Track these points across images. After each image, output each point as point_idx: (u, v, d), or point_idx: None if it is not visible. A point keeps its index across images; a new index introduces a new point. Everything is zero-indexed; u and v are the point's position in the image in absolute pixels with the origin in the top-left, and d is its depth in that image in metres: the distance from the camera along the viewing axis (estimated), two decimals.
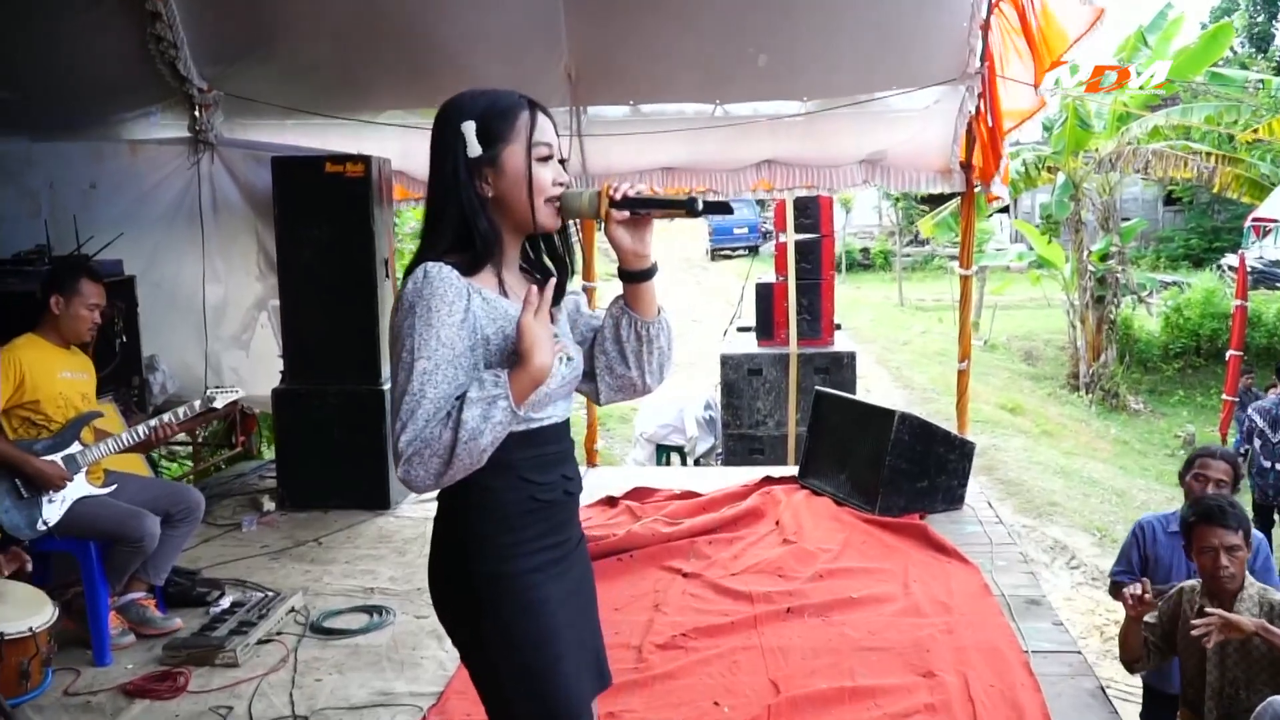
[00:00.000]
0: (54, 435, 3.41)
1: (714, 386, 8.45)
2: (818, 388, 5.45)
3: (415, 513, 4.93)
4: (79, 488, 3.43)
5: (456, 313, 1.61)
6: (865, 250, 26.34)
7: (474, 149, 1.67)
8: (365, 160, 4.81)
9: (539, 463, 1.73)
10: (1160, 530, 3.43)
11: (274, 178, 4.94)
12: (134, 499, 3.55)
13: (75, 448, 3.45)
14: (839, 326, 8.14)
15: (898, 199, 21.73)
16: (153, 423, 3.54)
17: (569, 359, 1.77)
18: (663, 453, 8.65)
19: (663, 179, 5.48)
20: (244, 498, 5.29)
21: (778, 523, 4.57)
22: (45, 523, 3.34)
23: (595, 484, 5.41)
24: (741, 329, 8.59)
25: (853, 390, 7.30)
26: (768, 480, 5.12)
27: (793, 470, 5.31)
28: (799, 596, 3.75)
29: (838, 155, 5.33)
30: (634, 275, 1.77)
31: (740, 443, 7.65)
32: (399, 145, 5.43)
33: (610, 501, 4.97)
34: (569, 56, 5.08)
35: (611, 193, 1.68)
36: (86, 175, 5.72)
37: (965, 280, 5.43)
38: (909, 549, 4.23)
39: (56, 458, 3.39)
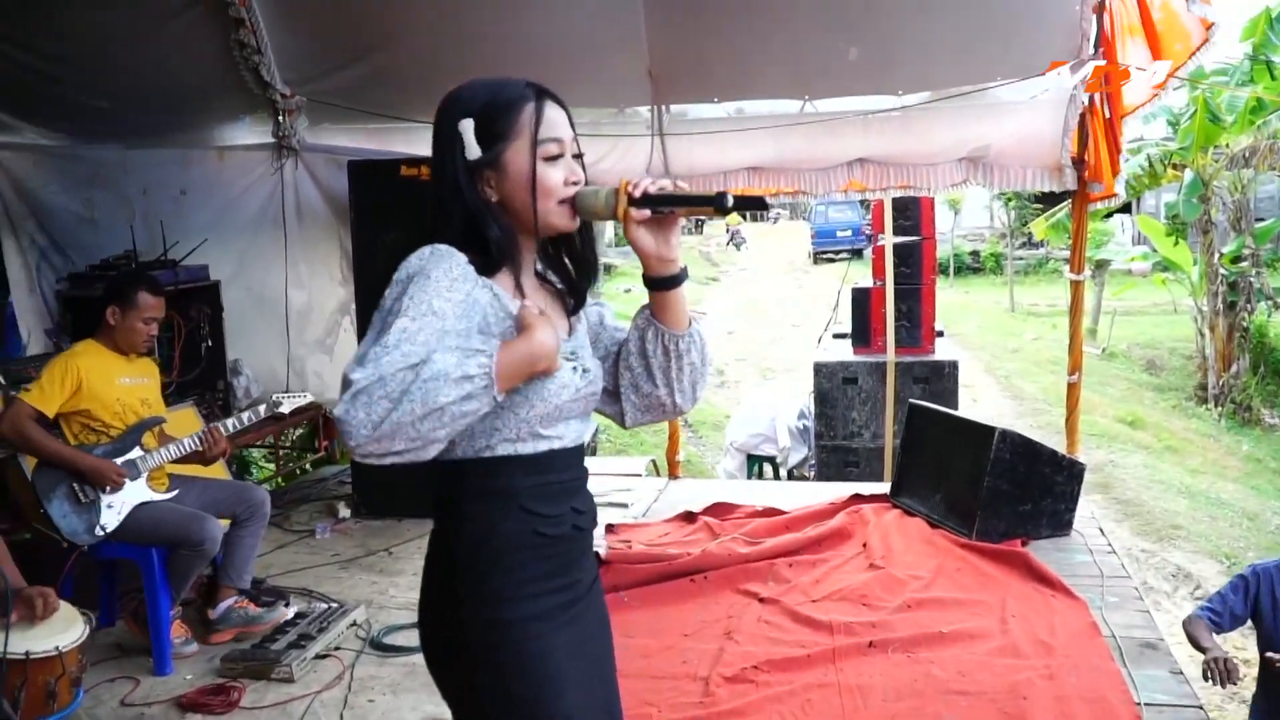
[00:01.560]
0: (113, 440, 3.38)
1: (809, 395, 8.17)
2: (911, 400, 5.14)
3: None
4: (139, 493, 3.39)
5: (457, 292, 1.43)
6: (975, 253, 25.47)
7: (472, 151, 1.50)
8: None
9: (546, 492, 1.54)
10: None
11: (350, 182, 4.89)
12: (196, 502, 3.50)
13: (135, 453, 3.41)
14: (940, 334, 7.77)
15: (1010, 199, 20.90)
16: (201, 431, 3.49)
17: (585, 370, 1.59)
18: (754, 463, 8.40)
19: (748, 178, 5.24)
20: (321, 504, 5.25)
21: (865, 545, 4.29)
22: (103, 528, 3.31)
23: (675, 497, 5.23)
24: (837, 335, 8.28)
25: (954, 401, 6.94)
26: (856, 498, 4.84)
27: (885, 487, 5.02)
28: (883, 629, 3.47)
29: (936, 152, 5.00)
30: (660, 282, 1.58)
31: (834, 455, 7.35)
32: None
33: (688, 517, 4.76)
34: (650, 54, 4.89)
35: (630, 190, 1.49)
36: (177, 181, 5.79)
37: (1076, 286, 5.04)
38: (1008, 579, 3.90)
39: (117, 462, 3.36)
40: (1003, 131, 4.82)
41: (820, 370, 7.39)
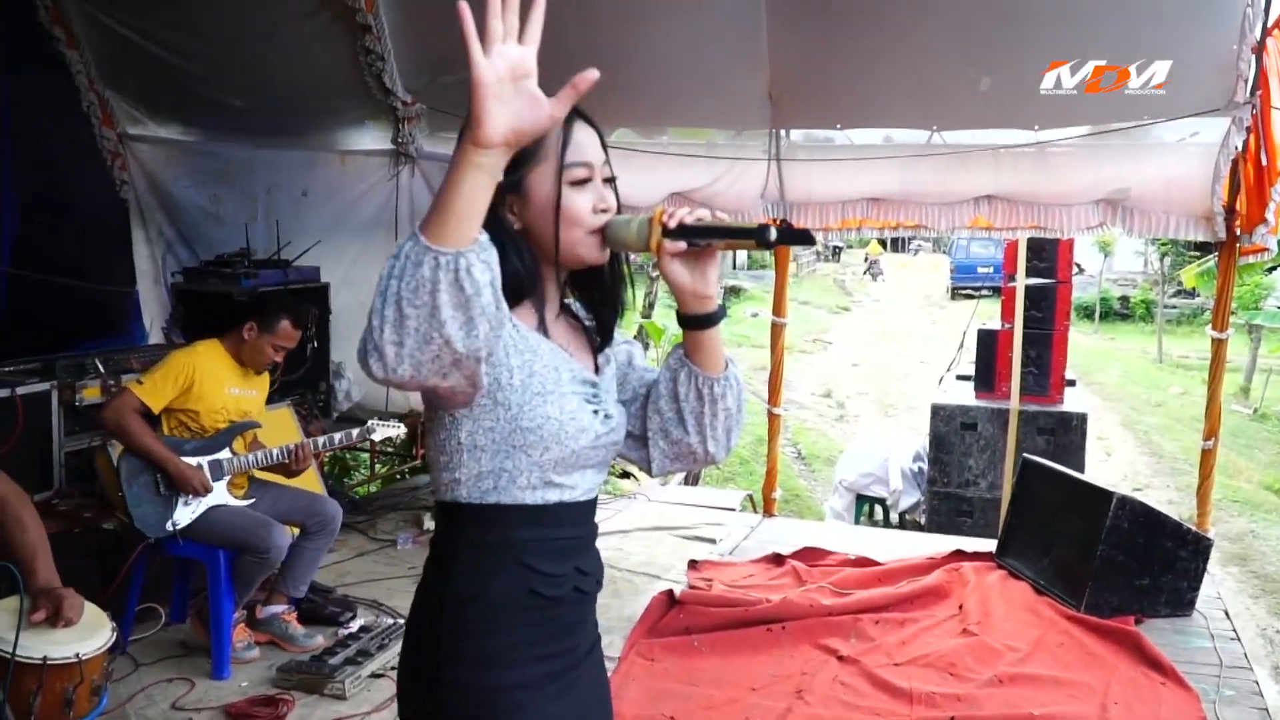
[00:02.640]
0: (206, 438, 3.41)
1: (926, 436, 7.80)
2: (1025, 455, 4.79)
3: None
4: (216, 495, 3.40)
5: None
6: (1124, 299, 24.23)
7: None
8: None
9: (549, 548, 1.40)
10: None
11: None
12: (270, 509, 3.49)
13: (224, 454, 3.44)
14: (1072, 383, 7.29)
15: (1164, 244, 19.77)
16: (291, 446, 3.49)
17: (607, 416, 1.45)
18: (863, 503, 8.07)
19: (868, 210, 5.00)
20: (409, 513, 5.24)
21: (961, 607, 3.99)
22: (174, 524, 3.32)
23: (767, 536, 5.01)
24: (960, 377, 7.88)
25: (1081, 457, 6.50)
26: (958, 555, 4.53)
27: (991, 544, 4.68)
28: (968, 704, 3.20)
29: (1071, 192, 4.66)
30: (695, 320, 1.45)
31: (946, 503, 6.97)
32: None
33: (776, 560, 4.54)
34: (771, 75, 4.72)
35: (665, 219, 1.35)
36: (300, 183, 5.92)
37: (1219, 344, 4.61)
38: (1115, 660, 3.55)
39: (204, 460, 3.38)
40: (1146, 174, 4.45)
41: (938, 413, 7.02)
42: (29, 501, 2.36)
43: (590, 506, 1.47)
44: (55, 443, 3.99)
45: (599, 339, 1.53)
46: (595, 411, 1.43)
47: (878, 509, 8.15)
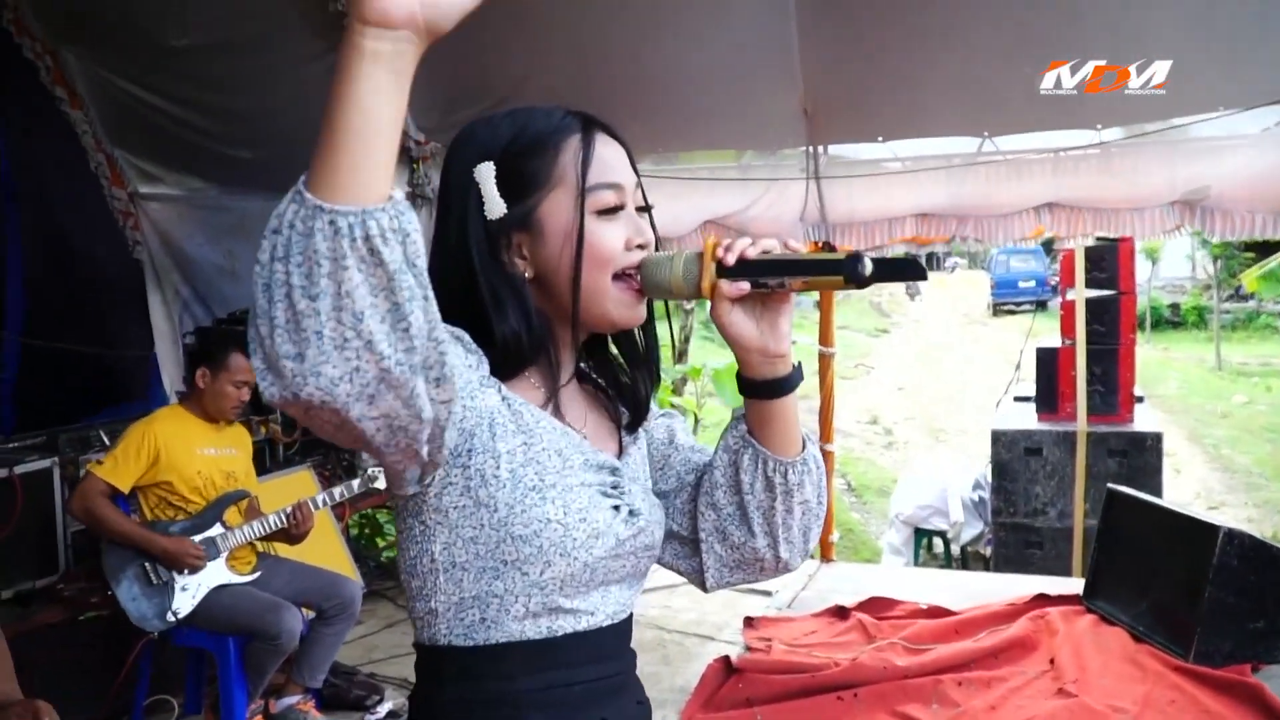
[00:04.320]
0: (192, 517, 3.10)
1: (985, 463, 7.38)
2: (1110, 486, 4.37)
3: None
4: (217, 574, 3.10)
5: (459, 359, 1.01)
6: (1175, 306, 23.52)
7: (494, 206, 1.06)
8: None
9: (563, 698, 1.06)
10: None
11: None
12: (280, 589, 3.18)
13: (216, 530, 3.12)
14: (1140, 399, 6.86)
15: (1217, 248, 19.16)
16: (288, 508, 3.18)
17: (633, 513, 1.10)
18: (922, 537, 7.63)
19: (916, 226, 4.64)
20: None
21: (1053, 661, 3.59)
22: (175, 613, 3.02)
23: (827, 585, 4.64)
24: (1019, 399, 7.46)
25: (1158, 480, 6.06)
26: (1042, 599, 4.11)
27: (1076, 584, 4.27)
28: None
29: (1143, 196, 4.27)
30: (763, 387, 1.11)
31: (1013, 534, 6.53)
32: None
33: (840, 613, 4.16)
34: (804, 89, 4.40)
35: (721, 254, 1.03)
36: None
37: None
38: (1235, 718, 3.13)
39: (194, 540, 3.08)
40: (1226, 170, 4.06)
41: (999, 439, 6.60)
42: None
43: (620, 633, 1.12)
44: (59, 523, 3.72)
45: (629, 416, 1.20)
46: (616, 508, 1.08)
47: (937, 542, 7.71)
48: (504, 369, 1.07)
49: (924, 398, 15.37)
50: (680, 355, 10.07)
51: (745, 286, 1.04)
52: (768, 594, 4.51)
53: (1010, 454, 6.54)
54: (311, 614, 3.25)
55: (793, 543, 1.17)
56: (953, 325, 23.83)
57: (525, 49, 4.66)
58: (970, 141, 4.47)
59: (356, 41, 0.80)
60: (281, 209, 0.79)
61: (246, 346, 2.72)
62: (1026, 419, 6.73)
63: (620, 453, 1.18)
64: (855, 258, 0.98)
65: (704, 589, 1.22)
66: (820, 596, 4.45)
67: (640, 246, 1.09)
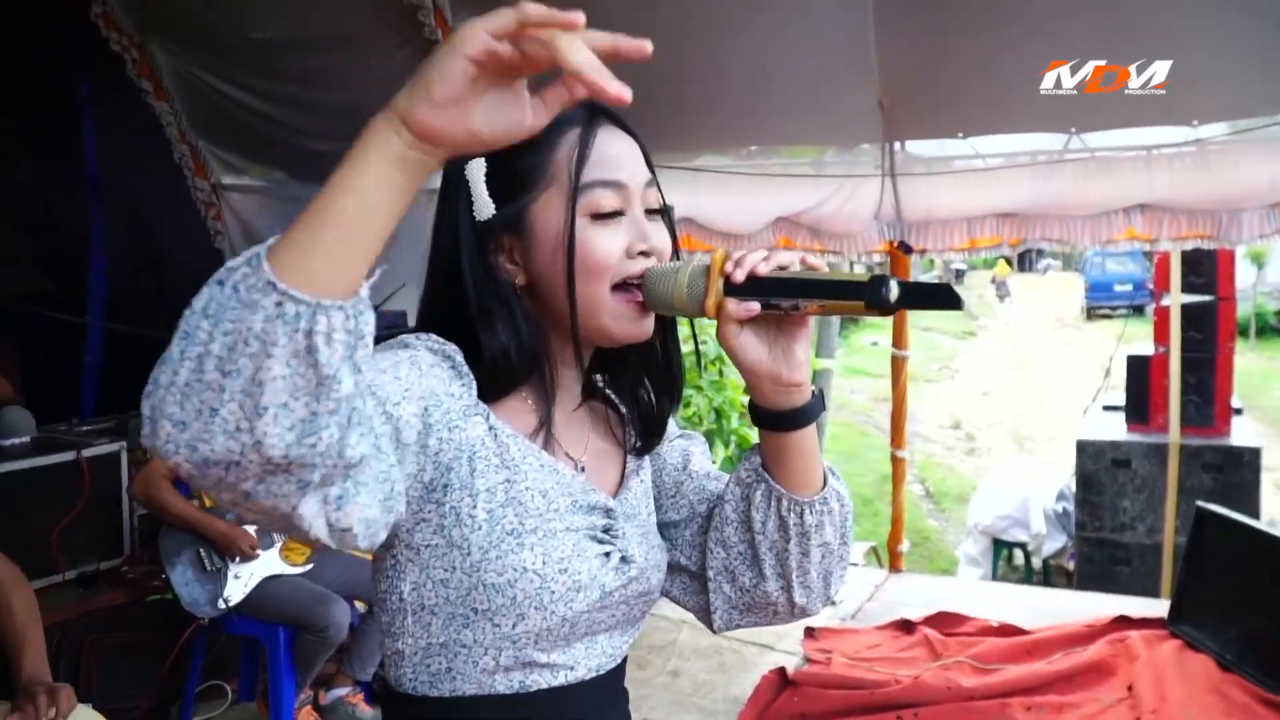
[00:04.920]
0: None
1: (1071, 474, 7.11)
2: (1200, 504, 4.12)
3: (672, 612, 4.25)
4: (270, 564, 3.11)
5: (431, 378, 0.93)
6: None
7: (483, 207, 1.00)
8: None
9: None
10: None
11: None
12: (333, 582, 3.18)
13: None
14: (1239, 411, 6.53)
15: None
16: None
17: (625, 560, 1.01)
18: (1001, 549, 7.38)
19: (998, 226, 4.46)
20: None
21: (1131, 688, 3.38)
22: (226, 600, 3.04)
23: (894, 597, 4.48)
24: (1108, 408, 7.16)
25: (1255, 498, 5.75)
26: (1122, 621, 3.89)
27: (1161, 607, 4.04)
28: None
29: (1243, 196, 4.02)
30: (777, 418, 1.01)
31: (1098, 549, 6.27)
32: (688, 190, 4.87)
33: (906, 626, 4.00)
34: (881, 82, 4.25)
35: (729, 269, 0.94)
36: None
37: None
38: None
39: (249, 528, 3.09)
40: None
41: (1085, 449, 6.35)
42: (24, 584, 2.15)
43: (605, 686, 1.03)
44: (125, 507, 3.79)
45: (641, 440, 1.10)
46: (607, 554, 0.99)
47: (1018, 554, 7.46)
48: (493, 388, 0.98)
49: (1010, 403, 14.94)
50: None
51: (755, 307, 0.93)
52: (832, 603, 4.37)
53: (1096, 465, 6.28)
54: (364, 607, 3.24)
55: (810, 587, 1.06)
56: (1044, 328, 23.15)
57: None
58: (1056, 138, 4.26)
59: (386, 138, 0.75)
60: (234, 264, 0.73)
61: None
62: (1115, 429, 6.46)
63: (620, 485, 1.08)
64: (880, 281, 0.87)
65: (711, 629, 1.13)
66: (887, 608, 4.29)
67: (644, 254, 0.99)
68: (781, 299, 0.93)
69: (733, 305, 0.94)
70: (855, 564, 5.13)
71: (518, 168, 0.99)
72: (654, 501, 1.14)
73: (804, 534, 1.02)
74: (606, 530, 1.01)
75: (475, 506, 0.92)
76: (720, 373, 7.32)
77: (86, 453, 3.62)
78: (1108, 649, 3.63)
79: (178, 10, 5.00)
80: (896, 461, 5.03)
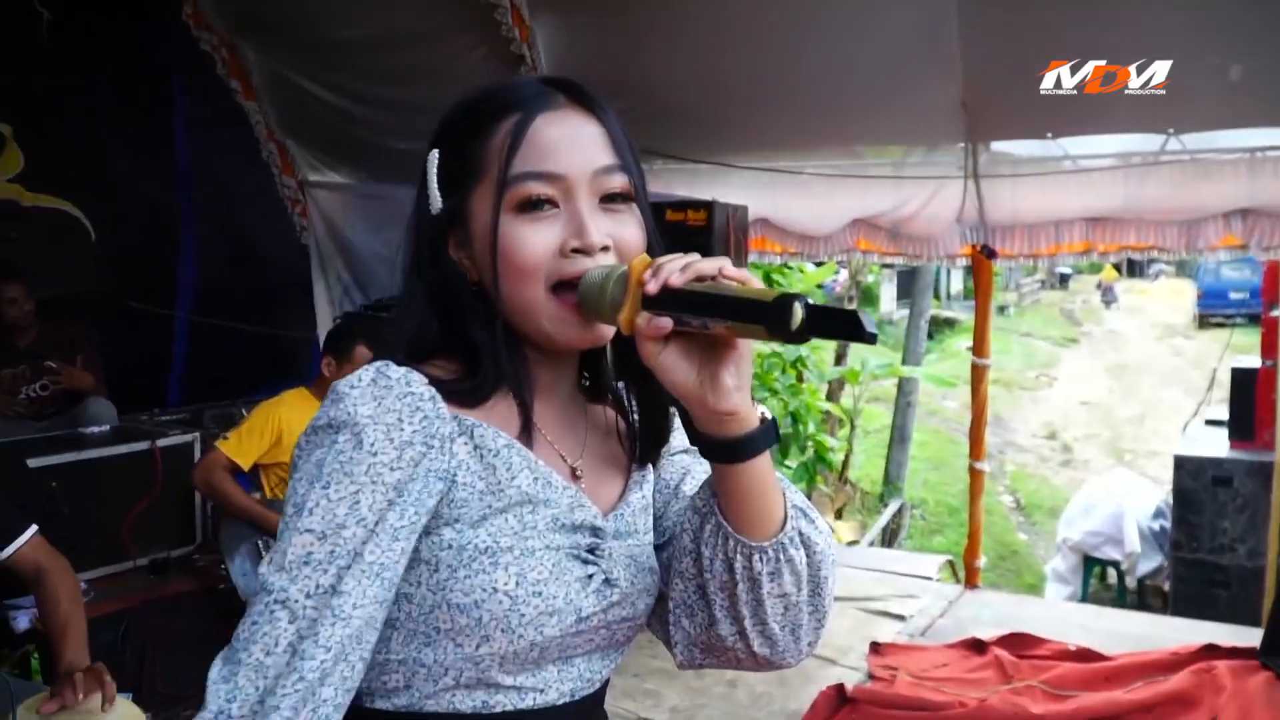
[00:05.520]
0: None
1: (1168, 489, 6.80)
2: None
3: None
4: None
5: (401, 463, 0.84)
6: None
7: (433, 200, 0.93)
8: (708, 207, 4.22)
9: None
10: None
11: None
12: None
13: None
14: None
15: None
16: None
17: (608, 582, 0.94)
18: (1092, 566, 7.09)
19: (1087, 231, 4.26)
20: None
21: None
22: None
23: (968, 614, 4.32)
24: (1210, 422, 6.82)
25: None
26: (1210, 650, 3.68)
27: (1254, 635, 3.82)
28: None
29: None
30: (713, 447, 0.88)
31: (1195, 571, 5.97)
32: (765, 191, 4.79)
33: (977, 646, 3.85)
34: (964, 80, 4.09)
35: (647, 279, 0.83)
36: None
37: None
38: None
39: None
40: None
41: (1183, 465, 6.05)
42: (69, 574, 2.19)
43: (584, 710, 0.96)
44: (197, 496, 3.88)
45: (639, 451, 1.03)
46: (590, 577, 0.92)
47: (1111, 573, 7.15)
48: (476, 391, 0.92)
49: (1110, 414, 14.40)
50: (839, 357, 9.75)
51: (666, 324, 0.81)
52: (900, 618, 4.24)
53: (1196, 483, 5.98)
54: None
55: (771, 639, 0.92)
56: (1151, 337, 22.26)
57: (662, 41, 4.55)
58: (1152, 139, 4.05)
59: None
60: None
61: (371, 339, 2.72)
62: (1217, 445, 6.14)
63: (620, 499, 1.00)
64: (783, 304, 0.76)
65: (676, 663, 1.01)
66: (959, 625, 4.14)
67: (579, 251, 0.88)
68: (690, 316, 0.81)
69: (641, 321, 0.83)
70: (930, 578, 4.97)
71: (463, 156, 0.92)
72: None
73: (753, 580, 0.90)
74: (592, 550, 0.94)
75: (450, 524, 0.87)
76: (799, 376, 7.20)
77: (161, 443, 3.72)
78: (1192, 679, 3.43)
79: (266, 9, 5.10)
80: (975, 474, 4.85)
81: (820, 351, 8.06)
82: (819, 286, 14.59)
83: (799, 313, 0.75)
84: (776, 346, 7.86)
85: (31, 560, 2.17)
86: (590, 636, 0.93)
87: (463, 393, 0.91)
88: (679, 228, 4.26)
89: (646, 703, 3.48)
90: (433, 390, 0.88)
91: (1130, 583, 7.05)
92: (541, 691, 0.92)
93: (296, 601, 0.80)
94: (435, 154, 0.94)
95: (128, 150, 4.87)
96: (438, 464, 0.86)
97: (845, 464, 9.35)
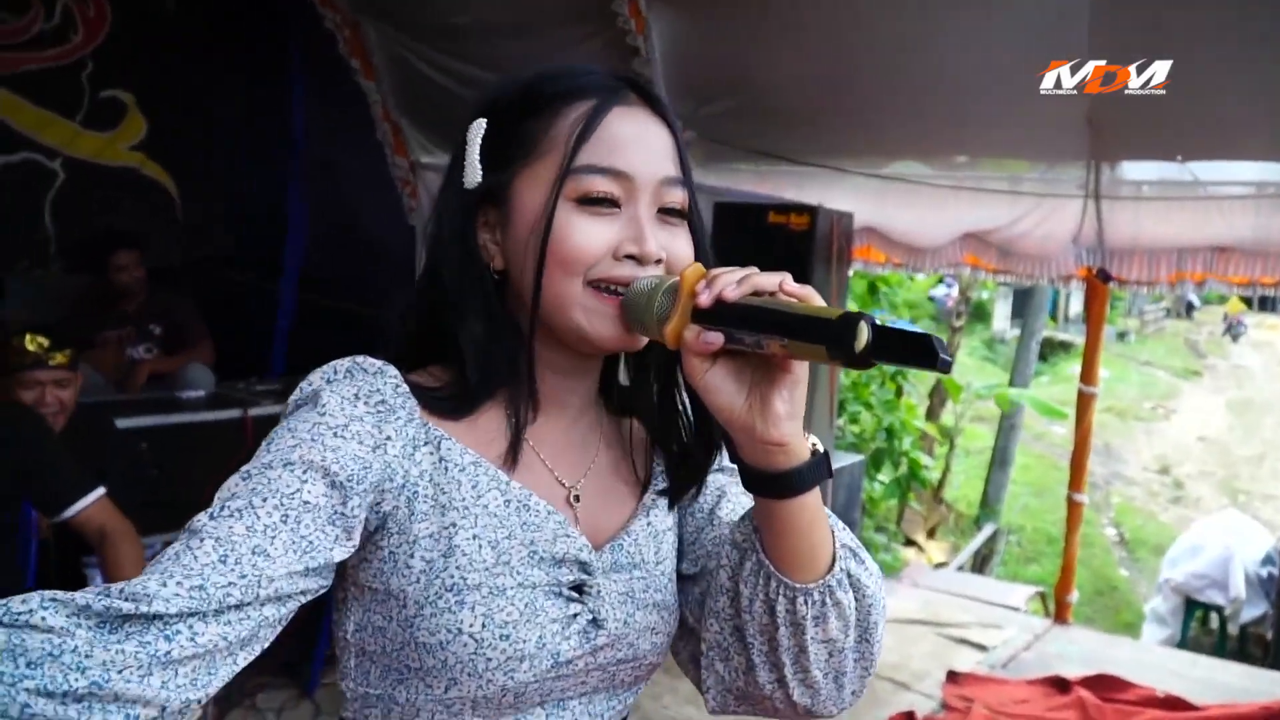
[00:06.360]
0: None
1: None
2: None
3: None
4: None
5: (347, 432, 0.80)
6: None
7: (471, 173, 0.87)
8: (812, 212, 4.14)
9: None
10: None
11: (715, 224, 4.46)
12: None
13: None
14: None
15: None
16: None
17: (594, 622, 0.87)
18: (1194, 610, 6.75)
19: (1211, 261, 4.05)
20: None
21: None
22: None
23: (1054, 649, 4.16)
24: None
25: None
26: None
27: None
28: None
29: None
30: (759, 480, 0.80)
31: None
32: (874, 198, 4.68)
33: (1060, 685, 3.70)
34: (1091, 97, 3.91)
35: (700, 290, 0.77)
36: None
37: None
38: None
39: None
40: None
41: None
42: (134, 538, 2.20)
43: None
44: None
45: (663, 479, 0.96)
46: (573, 617, 0.85)
47: (1213, 617, 6.80)
48: (466, 399, 0.85)
49: (1228, 452, 13.71)
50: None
51: (717, 340, 0.75)
52: (982, 648, 4.10)
53: None
54: None
55: (814, 688, 0.84)
56: (1278, 374, 21.14)
57: (785, 39, 4.47)
58: None
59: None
60: None
61: None
62: None
63: (626, 524, 0.92)
64: (847, 321, 0.68)
65: (707, 707, 0.93)
66: (1043, 661, 3.99)
67: (632, 258, 0.83)
68: (745, 333, 0.74)
69: (690, 335, 0.76)
70: (1018, 609, 4.80)
71: (516, 132, 0.85)
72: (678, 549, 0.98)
73: (797, 625, 0.82)
74: (577, 587, 0.87)
75: (413, 555, 0.81)
76: (898, 390, 7.02)
77: (253, 411, 3.80)
78: None
79: None
80: (1073, 505, 4.66)
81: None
82: (930, 298, 14.27)
83: (865, 333, 0.68)
84: None
85: (97, 523, 2.18)
86: (580, 680, 0.87)
87: (445, 401, 0.85)
88: (781, 231, 4.20)
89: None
90: (406, 389, 0.84)
91: (1232, 629, 6.69)
92: None
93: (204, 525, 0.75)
94: (481, 123, 0.88)
95: (245, 123, 5.01)
96: (393, 465, 0.81)
97: (941, 483, 9.10)
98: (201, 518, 0.75)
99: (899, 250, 4.79)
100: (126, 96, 4.81)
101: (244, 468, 0.79)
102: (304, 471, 0.77)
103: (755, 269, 0.78)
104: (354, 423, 0.80)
